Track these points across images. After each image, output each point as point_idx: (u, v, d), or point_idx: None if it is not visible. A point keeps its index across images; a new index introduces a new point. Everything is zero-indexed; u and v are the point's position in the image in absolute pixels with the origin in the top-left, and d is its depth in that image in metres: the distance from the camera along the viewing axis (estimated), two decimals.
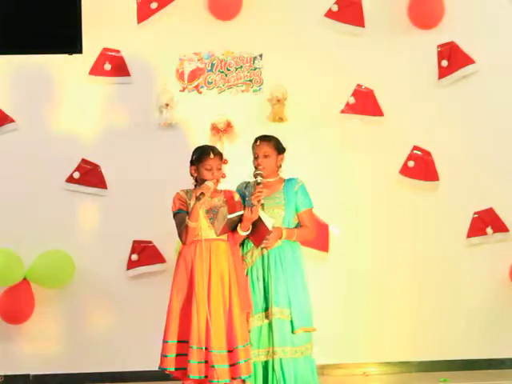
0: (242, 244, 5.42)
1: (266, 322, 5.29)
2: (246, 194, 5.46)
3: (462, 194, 6.87)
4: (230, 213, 5.21)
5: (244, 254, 5.41)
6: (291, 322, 5.28)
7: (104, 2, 6.80)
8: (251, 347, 5.25)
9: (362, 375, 6.79)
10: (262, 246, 5.30)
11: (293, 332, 5.26)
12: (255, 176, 5.37)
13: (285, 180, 5.50)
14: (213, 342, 5.12)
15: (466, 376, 6.65)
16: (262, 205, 5.29)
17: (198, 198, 5.14)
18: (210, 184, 5.20)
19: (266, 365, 5.31)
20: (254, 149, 5.47)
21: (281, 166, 5.51)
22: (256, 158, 5.44)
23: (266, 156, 5.42)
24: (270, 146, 5.44)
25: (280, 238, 5.32)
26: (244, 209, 5.25)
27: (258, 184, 5.31)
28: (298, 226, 5.45)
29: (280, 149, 5.49)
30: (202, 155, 5.31)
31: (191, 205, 5.23)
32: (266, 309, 5.30)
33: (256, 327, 5.31)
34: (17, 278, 6.54)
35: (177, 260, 5.37)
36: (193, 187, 5.36)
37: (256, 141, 5.48)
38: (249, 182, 5.53)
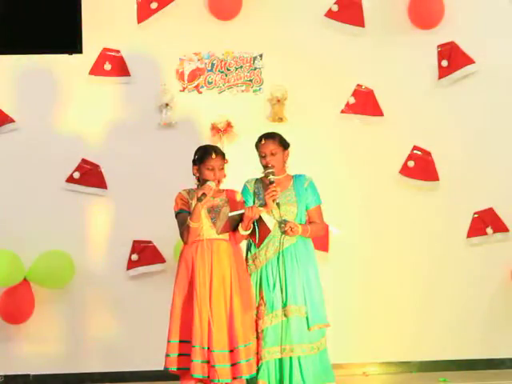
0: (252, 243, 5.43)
1: (283, 319, 5.29)
2: (256, 191, 5.46)
3: (462, 194, 6.88)
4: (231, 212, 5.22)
5: (257, 251, 5.40)
6: (307, 318, 5.29)
7: (104, 2, 6.80)
8: (266, 345, 5.26)
9: (362, 375, 6.79)
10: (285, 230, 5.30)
11: (308, 329, 5.28)
12: (266, 175, 5.35)
13: (293, 176, 5.50)
14: (214, 341, 5.12)
15: (466, 376, 6.65)
16: (278, 204, 5.28)
17: (199, 199, 5.14)
18: (211, 184, 5.20)
19: (280, 362, 5.31)
20: (259, 148, 5.46)
21: (286, 161, 5.51)
22: (263, 156, 5.43)
23: (272, 154, 5.41)
24: (275, 143, 5.43)
25: (297, 232, 5.32)
26: (245, 208, 5.25)
27: (271, 183, 5.30)
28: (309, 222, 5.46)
29: (285, 144, 5.49)
30: (203, 155, 5.31)
31: (193, 205, 5.23)
32: (283, 306, 5.31)
33: (272, 325, 5.30)
34: (17, 278, 6.53)
35: (178, 260, 5.38)
36: (195, 187, 5.36)
37: (260, 139, 5.47)
38: (257, 179, 5.51)
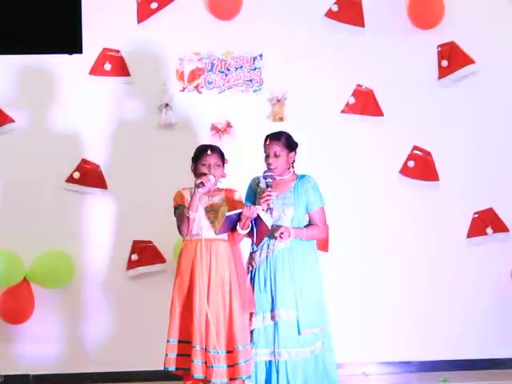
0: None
1: (271, 322, 5.27)
2: (258, 190, 5.44)
3: (462, 194, 6.88)
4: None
5: (253, 252, 5.40)
6: (297, 322, 5.26)
7: (104, 2, 6.80)
8: (254, 347, 5.25)
9: (362, 375, 6.79)
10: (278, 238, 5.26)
11: (299, 334, 5.25)
12: (265, 178, 5.34)
13: (298, 177, 5.47)
14: (211, 342, 5.12)
15: (466, 376, 6.65)
16: (271, 209, 5.25)
17: (197, 186, 5.14)
18: (210, 177, 5.21)
19: (269, 365, 5.30)
20: (264, 147, 5.43)
21: (294, 161, 5.47)
22: (267, 156, 5.42)
23: (276, 156, 5.38)
24: (279, 144, 5.39)
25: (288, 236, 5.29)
26: (243, 207, 5.24)
27: (268, 186, 5.29)
28: (309, 224, 5.43)
29: (291, 146, 5.44)
30: (200, 153, 5.36)
31: None
32: (272, 309, 5.29)
33: (261, 327, 5.29)
34: (17, 278, 6.53)
35: (178, 260, 5.38)
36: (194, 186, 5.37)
37: (266, 139, 5.44)
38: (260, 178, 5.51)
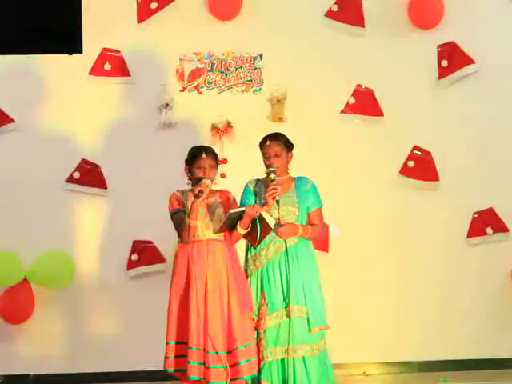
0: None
1: (285, 319, 5.28)
2: (257, 191, 5.46)
3: (462, 194, 6.88)
4: (226, 213, 5.20)
5: (257, 252, 5.40)
6: (308, 319, 5.28)
7: (104, 2, 6.80)
8: (268, 345, 5.24)
9: (362, 375, 6.79)
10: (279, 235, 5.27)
11: (309, 330, 5.27)
12: (268, 173, 5.35)
13: (295, 178, 5.49)
14: (209, 343, 5.11)
15: (466, 376, 6.65)
16: (277, 201, 5.28)
17: (197, 196, 5.14)
18: (207, 182, 5.20)
19: (282, 363, 5.30)
20: (263, 148, 5.44)
21: (289, 163, 5.50)
22: (267, 157, 5.42)
23: (277, 155, 5.40)
24: (280, 144, 5.42)
25: (296, 233, 5.32)
26: (246, 206, 5.24)
27: (272, 181, 5.30)
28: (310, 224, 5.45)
29: (289, 146, 5.48)
30: (193, 155, 5.34)
31: (188, 205, 5.23)
32: (285, 306, 5.29)
33: (274, 325, 5.29)
34: (17, 278, 6.54)
35: (174, 261, 5.37)
36: (188, 188, 5.36)
37: (265, 140, 5.45)
38: (259, 180, 5.51)
